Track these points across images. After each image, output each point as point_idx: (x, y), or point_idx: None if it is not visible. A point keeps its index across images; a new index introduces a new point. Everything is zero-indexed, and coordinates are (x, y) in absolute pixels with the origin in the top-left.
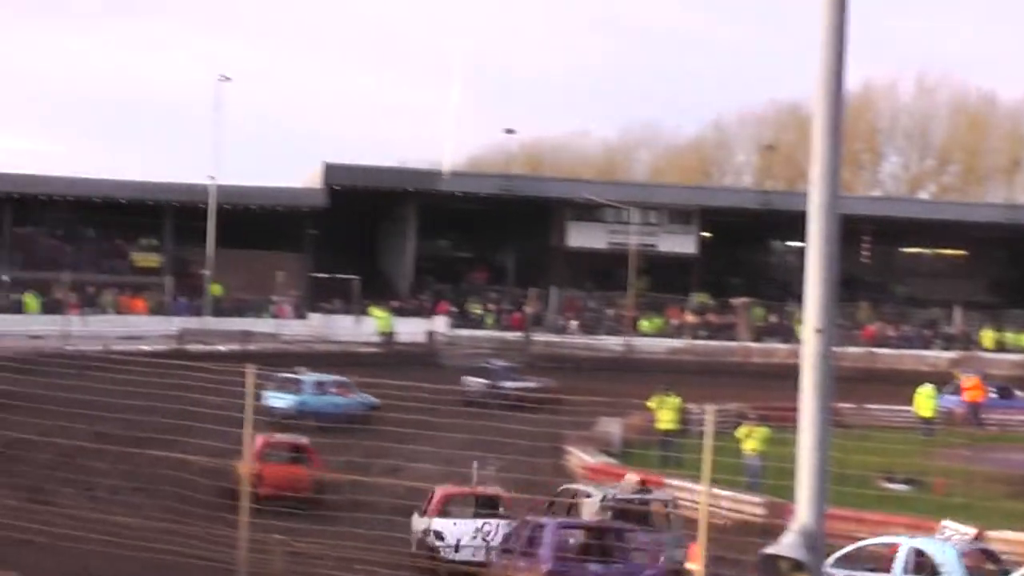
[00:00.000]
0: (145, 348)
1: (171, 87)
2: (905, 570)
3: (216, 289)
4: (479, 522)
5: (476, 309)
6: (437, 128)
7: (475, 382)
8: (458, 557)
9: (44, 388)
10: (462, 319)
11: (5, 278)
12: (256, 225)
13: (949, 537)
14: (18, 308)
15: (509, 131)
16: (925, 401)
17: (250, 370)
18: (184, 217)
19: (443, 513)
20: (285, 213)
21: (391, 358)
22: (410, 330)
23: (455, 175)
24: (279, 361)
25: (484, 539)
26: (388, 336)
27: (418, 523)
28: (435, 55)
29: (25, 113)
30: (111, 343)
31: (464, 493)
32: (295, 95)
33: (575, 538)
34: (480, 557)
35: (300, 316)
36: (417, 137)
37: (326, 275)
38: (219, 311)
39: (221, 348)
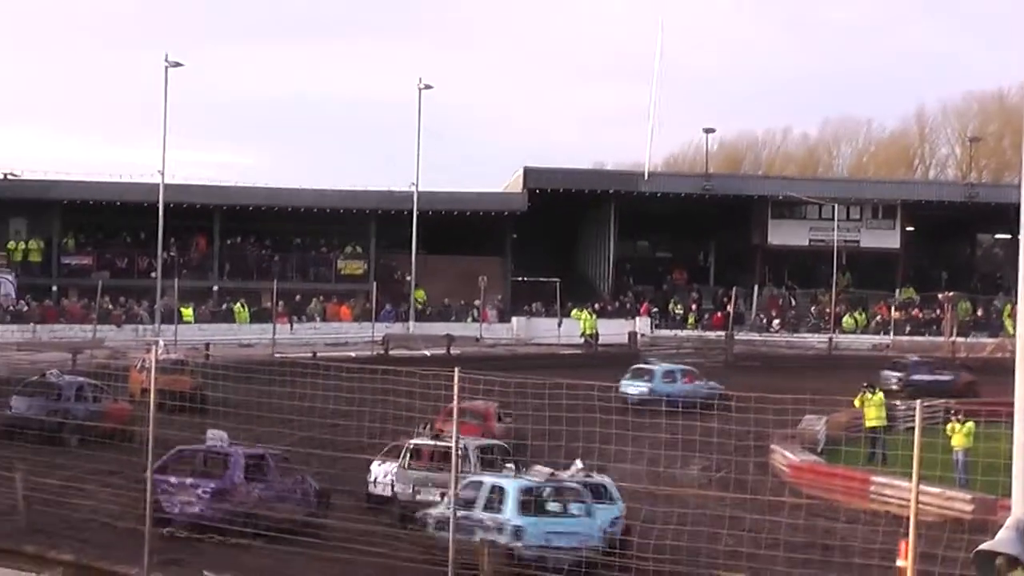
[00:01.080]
0: (351, 354)
1: (373, 96)
2: None
3: (420, 294)
4: None
5: (677, 309)
6: (635, 129)
7: (891, 376)
8: None
9: (255, 395)
10: (664, 319)
11: (215, 288)
12: (458, 230)
13: None
14: (228, 317)
15: (708, 130)
16: None
17: (457, 374)
18: (388, 224)
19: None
20: (486, 218)
21: (594, 359)
22: (612, 331)
23: (654, 176)
24: (483, 365)
25: None
26: (591, 338)
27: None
28: (632, 55)
29: (231, 126)
30: (318, 350)
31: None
32: (494, 100)
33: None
34: None
35: (503, 319)
36: (615, 138)
37: (527, 278)
38: (423, 316)
39: (426, 353)
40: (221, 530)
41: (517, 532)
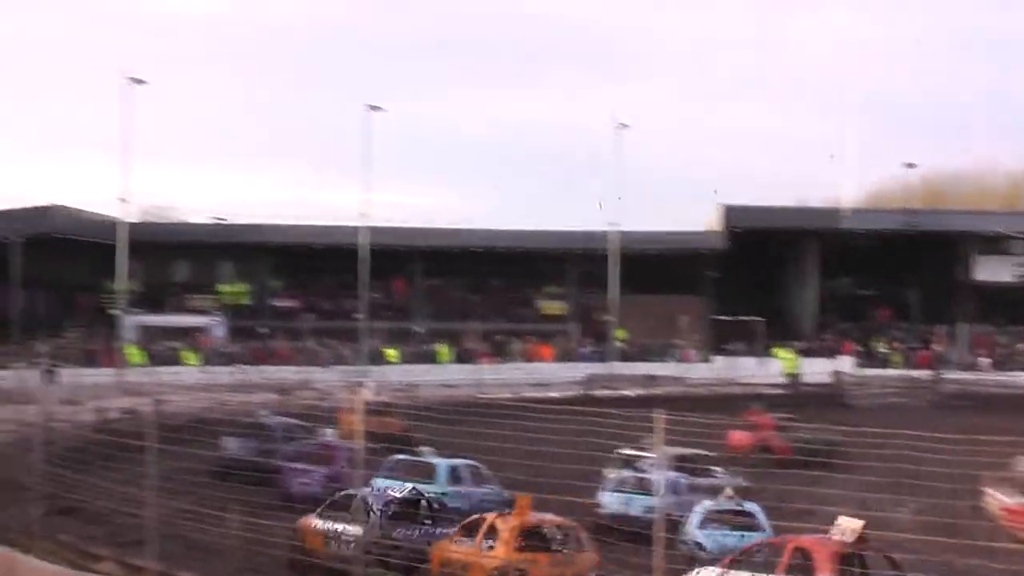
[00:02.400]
0: (554, 395)
1: (569, 135)
2: None
3: (620, 334)
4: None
5: (882, 348)
6: (835, 165)
7: None
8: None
9: (459, 436)
10: (868, 358)
11: (418, 329)
12: (657, 269)
13: None
14: (431, 358)
15: (909, 165)
16: None
17: (659, 415)
18: (587, 264)
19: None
20: (685, 256)
21: (798, 399)
22: (815, 370)
23: (856, 212)
24: (685, 405)
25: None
26: (794, 377)
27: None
28: (830, 90)
29: (430, 168)
30: (521, 390)
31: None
32: (690, 138)
33: None
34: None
35: (704, 359)
36: (815, 175)
37: (728, 317)
38: (624, 356)
39: (628, 393)
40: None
41: (699, 545)
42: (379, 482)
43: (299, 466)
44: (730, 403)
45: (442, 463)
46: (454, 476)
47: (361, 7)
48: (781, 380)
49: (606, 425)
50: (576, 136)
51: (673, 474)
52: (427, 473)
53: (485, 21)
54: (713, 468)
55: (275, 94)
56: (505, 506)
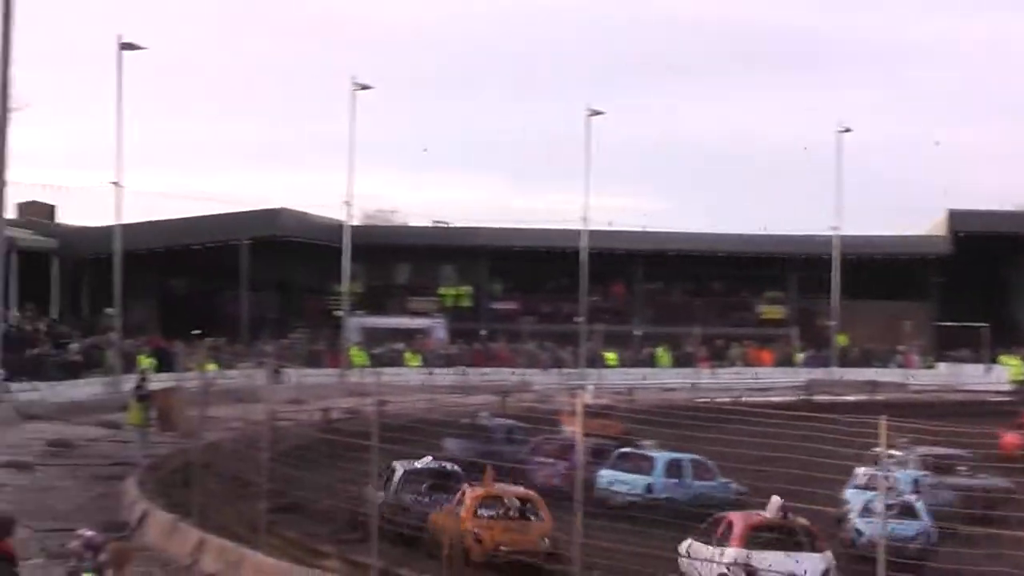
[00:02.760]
0: (773, 399)
1: (790, 139)
2: None
3: (842, 339)
4: (791, 556)
5: None
6: None
7: None
8: None
9: (680, 440)
10: None
11: (637, 332)
12: (880, 274)
13: None
14: (650, 361)
15: None
16: None
17: (882, 422)
18: (808, 269)
19: (749, 544)
20: (909, 261)
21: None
22: None
23: None
24: (907, 412)
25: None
26: (1020, 384)
27: (715, 553)
28: None
29: (648, 173)
30: (740, 395)
31: (769, 523)
32: (915, 141)
33: None
34: None
35: (927, 365)
36: None
37: (952, 323)
38: (845, 361)
39: (849, 398)
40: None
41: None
42: (605, 473)
43: (543, 459)
44: (955, 410)
45: (661, 456)
46: (673, 469)
47: (578, 13)
48: (1007, 387)
49: (826, 430)
50: (797, 140)
51: (916, 472)
52: (648, 466)
53: (701, 27)
54: (961, 468)
55: (495, 97)
56: (730, 503)
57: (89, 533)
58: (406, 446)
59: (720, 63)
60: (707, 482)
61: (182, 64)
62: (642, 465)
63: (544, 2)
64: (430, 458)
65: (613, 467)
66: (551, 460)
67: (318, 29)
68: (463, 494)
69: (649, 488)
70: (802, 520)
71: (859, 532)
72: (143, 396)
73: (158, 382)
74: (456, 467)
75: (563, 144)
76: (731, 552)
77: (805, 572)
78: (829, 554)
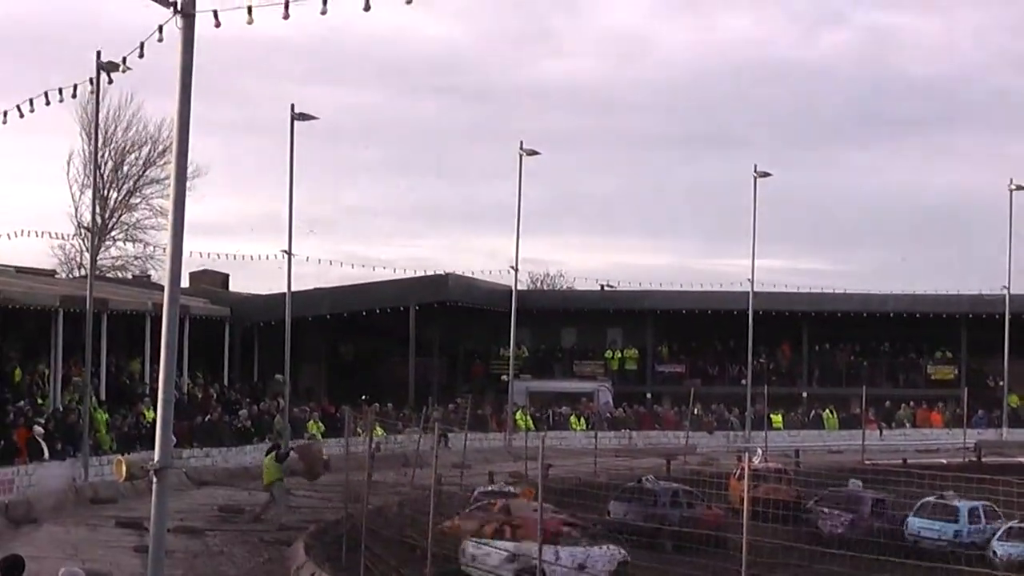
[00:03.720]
0: (943, 461)
1: (961, 196)
2: None
3: (1013, 400)
4: None
5: None
6: None
7: None
8: None
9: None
10: None
11: (805, 394)
12: None
13: None
14: (817, 423)
15: None
16: None
17: None
18: (978, 328)
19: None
20: None
21: None
22: None
23: None
24: None
25: None
26: None
27: None
28: None
29: (811, 233)
30: (909, 456)
31: None
32: None
33: None
34: None
35: None
36: None
37: None
38: (1017, 422)
39: (1021, 460)
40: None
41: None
42: (913, 521)
43: (831, 510)
44: None
45: (964, 504)
46: (973, 515)
47: (741, 73)
48: None
49: (996, 492)
50: (967, 197)
51: None
52: (952, 513)
53: (863, 83)
54: None
55: (658, 160)
56: None
57: (75, 569)
58: (572, 509)
59: (888, 119)
60: (996, 524)
61: (351, 130)
62: (947, 513)
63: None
64: None
65: (916, 514)
66: (837, 511)
67: (481, 94)
68: None
69: (956, 534)
70: None
71: None
72: (276, 455)
73: (329, 447)
74: None
75: (733, 206)
76: None
77: None
78: None
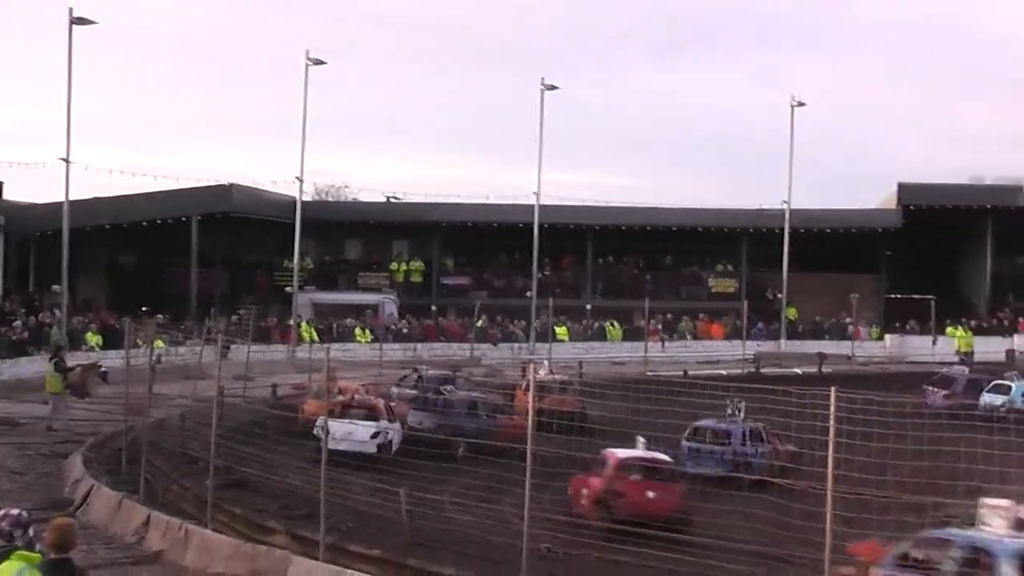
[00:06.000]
0: (722, 372)
1: (743, 114)
2: None
3: (792, 312)
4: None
5: None
6: (1014, 146)
7: None
8: None
9: (631, 414)
10: None
11: (588, 306)
12: (830, 248)
13: None
14: (601, 335)
15: None
16: None
17: (833, 393)
18: (759, 242)
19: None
20: (859, 235)
21: None
22: (989, 349)
23: None
24: (855, 383)
25: None
26: (967, 356)
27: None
28: (1004, 68)
29: (599, 147)
30: (690, 368)
31: (635, 459)
32: (863, 115)
33: None
34: None
35: (876, 338)
36: (992, 156)
37: (901, 296)
38: (795, 334)
39: (797, 371)
40: None
41: None
42: (986, 395)
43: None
44: (902, 381)
45: (1019, 384)
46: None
47: None
48: (954, 359)
49: (778, 403)
50: (749, 114)
51: None
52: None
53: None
54: None
55: (446, 73)
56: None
57: (15, 511)
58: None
59: (674, 38)
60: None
61: (133, 37)
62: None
63: None
64: None
65: (988, 391)
66: (935, 389)
67: (273, 2)
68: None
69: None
70: None
71: None
72: (60, 367)
73: (109, 359)
74: None
75: (520, 119)
76: None
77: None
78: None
